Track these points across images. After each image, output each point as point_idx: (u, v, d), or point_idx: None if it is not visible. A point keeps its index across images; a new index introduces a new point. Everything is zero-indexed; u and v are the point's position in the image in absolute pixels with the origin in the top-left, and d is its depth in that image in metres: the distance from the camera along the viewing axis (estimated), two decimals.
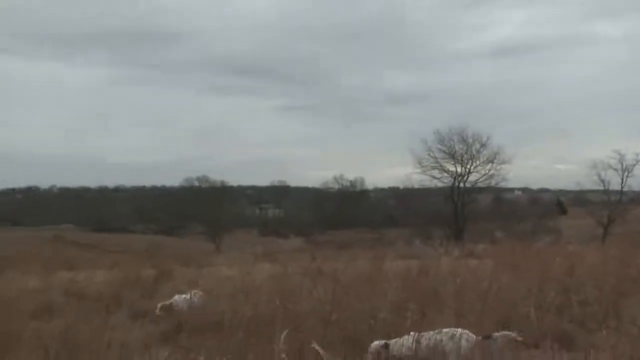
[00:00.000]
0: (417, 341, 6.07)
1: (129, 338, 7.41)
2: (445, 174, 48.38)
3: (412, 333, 6.34)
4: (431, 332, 6.27)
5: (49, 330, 7.30)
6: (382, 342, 6.47)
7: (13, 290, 9.51)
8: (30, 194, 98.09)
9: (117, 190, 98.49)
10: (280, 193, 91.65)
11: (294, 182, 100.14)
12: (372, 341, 6.44)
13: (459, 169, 48.23)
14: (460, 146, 47.89)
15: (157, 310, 9.29)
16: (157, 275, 13.43)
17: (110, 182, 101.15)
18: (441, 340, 6.18)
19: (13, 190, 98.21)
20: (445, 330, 6.33)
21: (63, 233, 66.38)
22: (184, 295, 9.65)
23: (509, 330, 6.40)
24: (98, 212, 78.18)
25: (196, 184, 74.58)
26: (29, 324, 7.02)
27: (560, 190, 75.96)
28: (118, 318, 8.86)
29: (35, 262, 18.34)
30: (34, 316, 8.72)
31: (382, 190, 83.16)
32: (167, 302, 9.45)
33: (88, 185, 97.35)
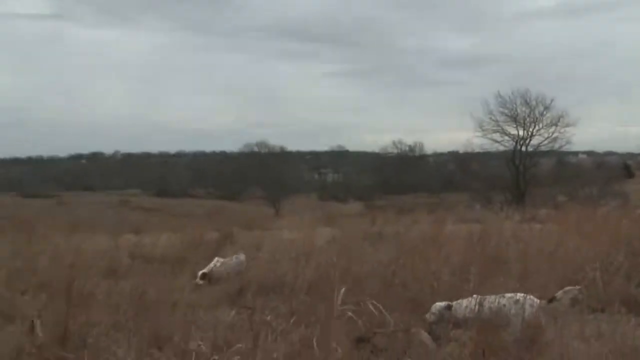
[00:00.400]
0: (480, 304, 6.03)
1: (194, 299, 7.59)
2: (507, 138, 47.39)
3: (474, 296, 6.31)
4: (494, 296, 6.23)
5: (118, 290, 7.52)
6: (445, 303, 6.46)
7: (84, 252, 9.81)
8: (95, 159, 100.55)
9: (178, 155, 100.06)
10: (338, 158, 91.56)
11: (352, 147, 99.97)
12: (433, 303, 6.43)
13: (521, 132, 47.19)
14: (523, 109, 46.74)
15: (198, 279, 9.14)
16: (219, 238, 13.65)
17: (172, 147, 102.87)
18: (504, 305, 6.13)
19: (79, 155, 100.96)
20: (508, 295, 6.27)
21: (128, 198, 68.05)
22: (222, 260, 9.60)
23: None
24: (160, 177, 79.57)
25: (255, 149, 75.22)
26: (100, 284, 7.25)
27: (628, 154, 73.88)
28: (183, 280, 9.04)
29: (103, 225, 18.88)
30: (104, 277, 8.98)
31: (441, 154, 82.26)
32: (207, 270, 9.33)
33: (150, 151, 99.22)
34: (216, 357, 3.86)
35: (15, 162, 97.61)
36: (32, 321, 4.12)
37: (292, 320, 5.16)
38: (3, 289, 7.02)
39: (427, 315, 6.50)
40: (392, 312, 5.92)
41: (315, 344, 3.78)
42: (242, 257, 9.94)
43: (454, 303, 6.48)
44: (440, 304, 6.53)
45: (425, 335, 6.00)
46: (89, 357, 4.79)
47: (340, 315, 4.32)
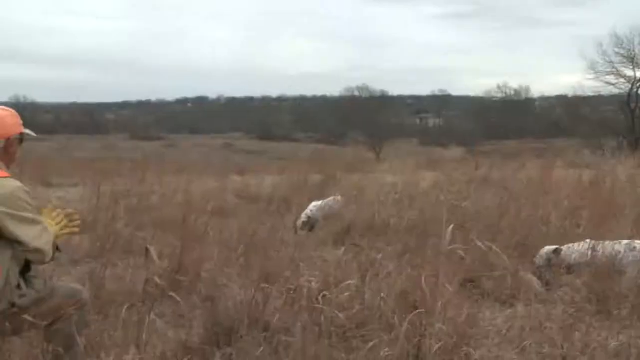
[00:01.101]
0: (593, 249, 5.85)
1: (299, 239, 7.74)
2: (622, 80, 45.07)
3: (587, 240, 6.13)
4: (608, 242, 6.03)
5: (228, 228, 7.76)
6: (554, 247, 6.32)
7: (193, 191, 10.16)
8: (200, 103, 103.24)
9: (280, 99, 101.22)
10: (441, 102, 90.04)
11: (455, 91, 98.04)
12: (543, 247, 6.30)
13: (638, 74, 44.85)
14: None
15: (298, 221, 8.94)
16: (323, 180, 13.80)
17: (274, 91, 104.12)
18: (620, 251, 5.92)
19: (185, 99, 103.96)
20: (625, 241, 6.05)
21: (232, 141, 69.72)
22: (319, 202, 9.46)
23: None
24: (262, 121, 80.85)
25: (356, 93, 75.00)
26: (210, 222, 7.49)
27: None
28: (288, 220, 9.21)
29: (209, 167, 19.45)
30: (212, 216, 9.28)
31: (549, 98, 79.27)
32: (305, 213, 9.08)
33: (252, 95, 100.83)
34: (326, 293, 3.94)
35: (126, 105, 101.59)
36: (147, 248, 4.32)
37: (400, 260, 5.19)
38: (121, 226, 7.37)
39: (536, 259, 6.38)
40: (499, 256, 5.85)
41: (423, 282, 3.78)
42: (339, 198, 9.90)
43: (564, 247, 6.32)
44: (550, 248, 6.38)
45: (534, 280, 5.91)
46: (205, 289, 5.00)
47: (448, 255, 4.29)
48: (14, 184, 3.62)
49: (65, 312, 3.66)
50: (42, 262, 3.63)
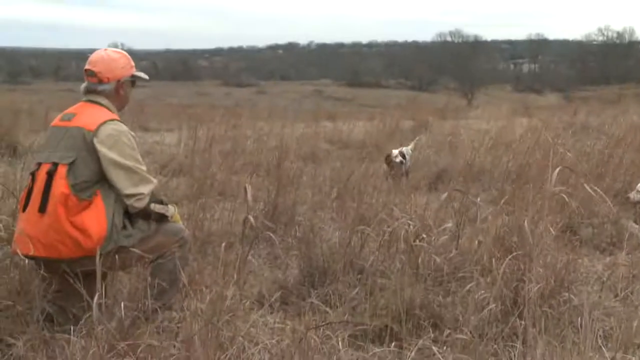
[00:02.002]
0: None
1: (391, 184, 7.70)
2: None
3: None
4: None
5: (320, 172, 7.81)
6: None
7: (286, 136, 10.24)
8: (291, 49, 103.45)
9: (370, 45, 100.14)
10: (537, 47, 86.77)
11: (553, 35, 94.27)
12: None
13: None
14: None
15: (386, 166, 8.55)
16: (414, 126, 13.67)
17: (364, 37, 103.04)
18: None
19: (276, 46, 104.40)
20: None
21: (321, 87, 69.73)
22: (405, 147, 8.94)
23: None
24: (352, 67, 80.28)
25: (449, 38, 73.27)
26: (303, 167, 7.57)
27: None
28: (380, 166, 9.16)
29: (300, 113, 19.54)
30: (305, 161, 9.36)
31: None
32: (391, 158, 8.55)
33: (342, 41, 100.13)
34: (424, 235, 3.93)
35: (218, 52, 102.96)
36: (245, 188, 4.40)
37: (496, 205, 5.10)
38: (216, 169, 7.53)
39: (631, 195, 6.17)
40: (599, 204, 5.66)
41: (526, 225, 3.70)
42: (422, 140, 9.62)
43: None
44: None
45: (635, 227, 5.71)
46: (299, 231, 5.07)
47: (552, 198, 4.17)
48: (121, 127, 3.70)
49: (168, 250, 3.79)
50: (134, 209, 3.69)
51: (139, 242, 3.71)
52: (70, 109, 3.83)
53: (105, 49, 3.91)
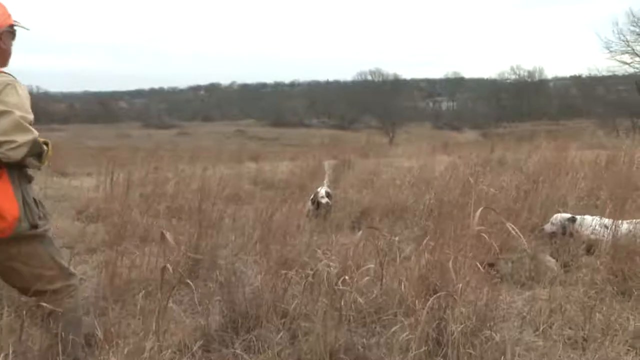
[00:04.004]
0: (614, 227, 5.77)
1: (315, 224, 7.69)
2: (637, 59, 44.56)
3: (600, 217, 6.11)
4: (627, 221, 5.95)
5: (243, 214, 7.73)
6: (568, 215, 6.26)
7: (207, 178, 10.12)
8: (213, 89, 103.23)
9: (293, 85, 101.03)
10: (454, 85, 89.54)
11: (468, 73, 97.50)
12: None
13: None
14: None
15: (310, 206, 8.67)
16: (337, 166, 13.75)
17: (286, 77, 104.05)
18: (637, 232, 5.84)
19: (198, 87, 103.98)
20: None
21: (244, 127, 69.73)
22: (325, 187, 9.12)
23: None
24: (275, 107, 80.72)
25: (369, 77, 74.70)
26: (225, 209, 7.46)
27: None
28: (303, 205, 9.14)
29: (223, 154, 19.42)
30: (228, 202, 9.25)
31: (563, 79, 78.99)
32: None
33: (265, 81, 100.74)
34: (346, 277, 3.90)
35: (139, 93, 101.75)
36: (162, 233, 4.28)
37: (418, 243, 5.14)
38: (136, 213, 7.36)
39: (546, 227, 6.32)
40: (517, 239, 5.78)
41: (450, 265, 3.73)
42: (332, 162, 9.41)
43: (578, 217, 6.27)
44: (564, 215, 6.33)
45: (551, 261, 5.85)
46: (221, 276, 4.96)
47: (473, 237, 4.23)
48: (5, 78, 3.28)
49: (60, 292, 3.50)
50: (7, 159, 3.19)
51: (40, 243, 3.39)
52: None
53: None
